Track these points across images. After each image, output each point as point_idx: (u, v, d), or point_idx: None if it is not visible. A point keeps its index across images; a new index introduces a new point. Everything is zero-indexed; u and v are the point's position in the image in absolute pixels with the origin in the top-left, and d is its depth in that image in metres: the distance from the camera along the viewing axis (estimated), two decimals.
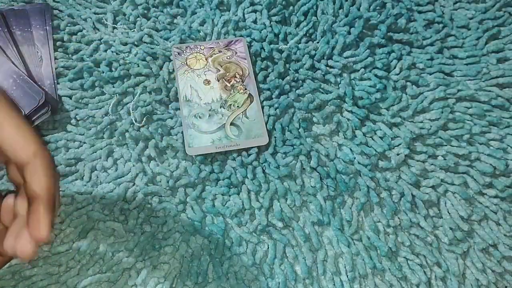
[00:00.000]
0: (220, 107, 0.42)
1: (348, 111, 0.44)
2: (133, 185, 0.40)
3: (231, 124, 0.42)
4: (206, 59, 0.45)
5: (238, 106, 0.42)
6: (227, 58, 0.45)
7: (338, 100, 0.44)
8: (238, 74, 0.44)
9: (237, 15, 0.49)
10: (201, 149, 0.40)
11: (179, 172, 0.40)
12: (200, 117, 0.42)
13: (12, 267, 0.37)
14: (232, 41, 0.46)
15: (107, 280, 0.37)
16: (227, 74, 0.44)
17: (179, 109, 0.43)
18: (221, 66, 0.45)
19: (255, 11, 0.49)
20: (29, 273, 0.37)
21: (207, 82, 0.44)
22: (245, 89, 0.43)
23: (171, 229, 0.39)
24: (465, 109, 0.44)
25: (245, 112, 0.42)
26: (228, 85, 0.44)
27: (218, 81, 0.44)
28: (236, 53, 0.45)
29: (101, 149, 0.41)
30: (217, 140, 0.41)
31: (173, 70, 0.45)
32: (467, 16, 0.49)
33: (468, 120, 0.43)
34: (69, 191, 0.40)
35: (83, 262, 0.37)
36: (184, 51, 0.45)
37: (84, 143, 0.42)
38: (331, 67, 0.46)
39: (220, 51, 0.46)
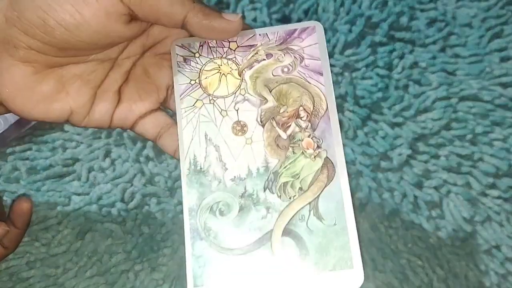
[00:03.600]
0: (265, 189, 0.22)
1: (349, 110, 0.43)
2: (131, 185, 0.40)
3: (285, 232, 0.21)
4: (240, 74, 0.23)
5: (301, 189, 0.21)
6: (283, 71, 0.23)
7: (339, 100, 0.44)
8: (306, 110, 0.23)
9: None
10: None
11: (177, 172, 0.40)
12: (222, 213, 0.22)
13: (9, 268, 0.37)
14: (294, 30, 0.24)
15: (105, 282, 0.36)
16: (282, 110, 0.23)
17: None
18: (271, 91, 0.23)
19: (254, 8, 0.49)
20: (26, 274, 0.37)
21: (241, 127, 0.23)
22: (318, 146, 0.22)
23: (169, 230, 0.38)
24: (468, 108, 0.43)
25: (316, 204, 0.21)
26: (284, 135, 0.22)
27: (264, 125, 0.23)
28: (303, 59, 0.23)
29: (99, 149, 0.41)
30: (253, 271, 0.21)
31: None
32: (469, 14, 0.49)
33: (471, 120, 0.43)
34: (66, 192, 0.40)
35: (81, 264, 0.37)
36: (197, 54, 0.24)
37: (82, 143, 0.41)
38: (332, 65, 0.46)
39: (269, 55, 0.23)
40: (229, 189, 0.22)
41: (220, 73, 0.23)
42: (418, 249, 0.38)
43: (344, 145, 0.38)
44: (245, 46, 0.23)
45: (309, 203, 0.21)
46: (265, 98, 0.23)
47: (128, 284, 0.36)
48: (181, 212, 0.40)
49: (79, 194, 0.40)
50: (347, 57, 0.46)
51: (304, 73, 0.23)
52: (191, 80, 0.23)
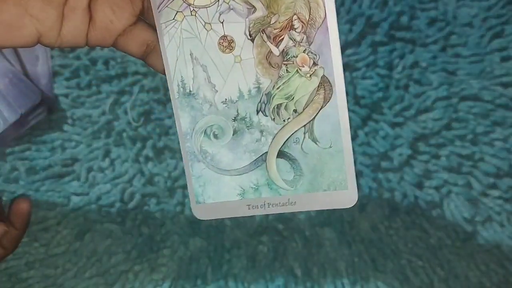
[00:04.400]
0: (258, 112, 0.21)
1: (350, 110, 0.43)
2: (131, 186, 0.40)
3: (281, 154, 0.21)
4: None
5: (295, 111, 0.20)
6: None
7: None
8: (301, 19, 0.19)
9: None
10: (220, 210, 0.22)
11: (177, 172, 0.40)
12: (216, 136, 0.21)
13: (8, 269, 0.37)
14: None
15: (104, 282, 0.36)
16: (273, 20, 0.20)
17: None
18: None
19: None
20: (26, 275, 0.37)
21: (228, 43, 0.20)
22: (315, 63, 0.20)
23: (169, 230, 0.38)
24: (469, 108, 0.43)
25: (311, 126, 0.20)
26: (276, 51, 0.20)
27: (253, 39, 0.20)
28: None
29: (98, 149, 0.41)
30: (250, 191, 0.21)
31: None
32: (470, 14, 0.49)
33: (471, 120, 0.43)
34: (66, 192, 0.40)
35: (80, 264, 0.37)
36: None
37: (81, 143, 0.41)
38: None
39: None
40: (221, 112, 0.21)
41: None
42: (418, 249, 0.38)
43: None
44: None
45: (304, 125, 0.20)
46: (253, 6, 0.19)
47: (127, 284, 0.36)
48: (181, 212, 0.40)
49: (78, 194, 0.39)
50: (347, 57, 0.45)
51: None
52: None
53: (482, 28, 0.47)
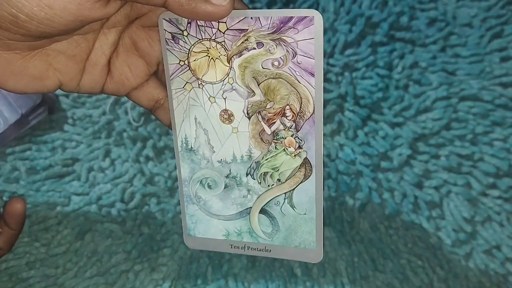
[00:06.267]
0: (247, 175, 0.24)
1: (350, 110, 0.43)
2: (131, 185, 0.40)
3: (262, 211, 0.24)
4: (229, 60, 0.22)
5: (279, 180, 0.24)
6: (274, 65, 0.22)
7: (340, 99, 0.44)
8: (292, 109, 0.22)
9: None
10: (207, 244, 0.26)
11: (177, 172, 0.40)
12: (210, 186, 0.25)
13: (9, 269, 0.37)
14: (290, 19, 0.21)
15: (105, 282, 0.36)
16: (269, 106, 0.23)
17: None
18: (259, 85, 0.22)
19: (254, 8, 0.49)
20: (26, 275, 0.37)
21: (228, 116, 0.23)
22: (299, 147, 0.23)
23: (169, 230, 0.38)
24: (468, 108, 0.43)
25: (290, 195, 0.24)
26: (268, 131, 0.23)
27: (249, 117, 0.23)
28: (296, 54, 0.21)
29: (99, 149, 0.41)
30: (234, 234, 0.25)
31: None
32: (470, 14, 0.49)
33: (471, 120, 0.43)
34: (66, 192, 0.40)
35: (81, 264, 0.37)
36: (185, 32, 0.22)
37: (81, 143, 0.41)
38: (332, 65, 0.46)
39: (260, 44, 0.22)
40: (216, 168, 0.24)
41: (209, 57, 0.23)
42: (418, 249, 0.38)
43: (341, 145, 0.38)
44: (235, 29, 0.21)
45: (285, 193, 0.24)
46: (253, 91, 0.22)
47: (128, 284, 0.36)
48: (182, 212, 0.40)
49: (78, 194, 0.39)
50: (347, 57, 0.45)
51: (295, 71, 0.22)
52: (180, 60, 0.23)
53: (481, 28, 0.47)
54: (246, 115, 0.23)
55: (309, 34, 0.21)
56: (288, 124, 0.23)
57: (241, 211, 0.25)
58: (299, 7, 0.48)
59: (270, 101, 0.22)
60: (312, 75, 0.21)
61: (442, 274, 0.38)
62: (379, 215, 0.39)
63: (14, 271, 0.37)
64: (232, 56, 0.22)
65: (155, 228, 0.38)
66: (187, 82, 0.23)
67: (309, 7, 0.48)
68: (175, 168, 0.40)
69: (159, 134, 0.41)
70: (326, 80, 0.45)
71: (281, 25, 0.21)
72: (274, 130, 0.23)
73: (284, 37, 0.21)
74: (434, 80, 0.45)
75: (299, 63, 0.21)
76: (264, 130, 0.23)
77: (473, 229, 0.39)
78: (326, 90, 0.44)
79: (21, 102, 0.40)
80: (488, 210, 0.40)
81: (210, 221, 0.25)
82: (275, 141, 0.23)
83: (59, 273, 0.37)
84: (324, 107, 0.44)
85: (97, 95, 0.43)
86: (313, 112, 0.22)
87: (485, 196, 0.40)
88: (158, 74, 0.25)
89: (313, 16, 0.21)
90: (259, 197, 0.24)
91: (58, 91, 0.40)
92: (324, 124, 0.43)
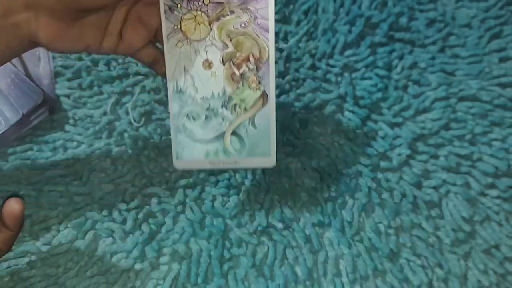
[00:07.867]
0: (222, 107, 0.31)
1: (349, 110, 0.43)
2: (132, 185, 0.40)
3: (233, 133, 0.32)
4: (210, 24, 0.31)
5: (245, 109, 0.31)
6: (241, 26, 0.31)
7: (339, 100, 0.44)
8: (254, 56, 0.31)
9: None
10: (191, 163, 0.32)
11: (178, 172, 0.40)
12: (194, 118, 0.32)
13: (10, 268, 0.37)
14: None
15: (106, 281, 0.36)
16: (238, 55, 0.31)
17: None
18: (231, 40, 0.31)
19: None
20: (27, 274, 0.37)
21: (208, 64, 0.31)
22: (259, 83, 0.31)
23: (170, 230, 0.38)
24: (467, 108, 0.43)
25: (253, 119, 0.31)
26: (237, 73, 0.31)
27: (224, 64, 0.31)
28: (256, 18, 0.30)
29: (100, 149, 0.41)
30: (212, 154, 0.32)
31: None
32: (469, 15, 0.49)
33: (470, 120, 0.43)
34: (67, 192, 0.40)
35: (82, 263, 0.37)
36: (180, 5, 0.31)
37: (83, 143, 0.42)
38: (331, 66, 0.46)
39: (232, 12, 0.31)
40: (199, 104, 0.31)
41: (196, 22, 0.31)
42: (417, 249, 0.38)
43: (341, 145, 0.39)
44: (215, 2, 0.31)
45: (249, 118, 0.31)
46: (227, 45, 0.31)
47: (128, 283, 0.36)
48: (182, 211, 0.40)
49: (80, 194, 0.40)
50: (346, 58, 0.46)
51: (256, 29, 0.31)
52: (174, 25, 0.31)
53: (480, 29, 0.47)
54: (222, 62, 0.31)
55: (265, 4, 0.30)
56: (251, 67, 0.31)
57: (217, 135, 0.32)
58: (298, 8, 0.49)
59: (239, 52, 0.31)
60: (267, 31, 0.30)
61: (441, 274, 0.38)
62: (379, 215, 0.39)
63: (15, 270, 0.37)
64: (213, 21, 0.31)
65: (156, 228, 0.38)
66: (179, 41, 0.31)
67: (309, 8, 0.49)
68: (176, 168, 0.40)
69: (159, 134, 0.42)
70: (325, 80, 0.45)
71: None
72: (242, 72, 0.31)
73: (248, 7, 0.30)
74: (433, 80, 0.45)
75: (259, 24, 0.31)
76: (235, 72, 0.31)
77: (472, 229, 0.39)
78: (325, 91, 0.45)
79: (22, 102, 0.40)
80: (487, 209, 0.40)
81: (194, 145, 0.32)
82: (242, 80, 0.31)
83: (60, 273, 0.37)
84: (324, 107, 0.44)
85: (98, 94, 0.43)
86: (268, 57, 0.31)
87: (484, 196, 0.40)
88: (156, 38, 0.33)
89: None
90: (231, 123, 0.31)
91: (59, 92, 0.40)
92: (325, 124, 0.43)
